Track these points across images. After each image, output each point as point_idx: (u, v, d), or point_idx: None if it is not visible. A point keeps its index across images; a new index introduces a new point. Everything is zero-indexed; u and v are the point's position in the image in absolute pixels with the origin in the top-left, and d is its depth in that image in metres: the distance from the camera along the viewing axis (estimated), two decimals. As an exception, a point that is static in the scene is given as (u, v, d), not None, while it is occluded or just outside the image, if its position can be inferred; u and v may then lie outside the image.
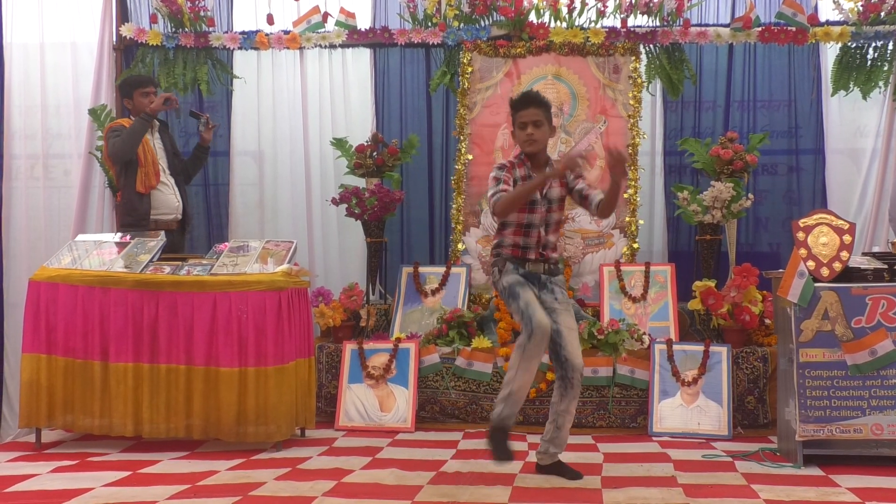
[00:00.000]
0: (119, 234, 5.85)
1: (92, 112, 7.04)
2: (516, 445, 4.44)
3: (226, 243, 5.81)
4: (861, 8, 6.87)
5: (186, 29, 7.24)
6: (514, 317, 4.49)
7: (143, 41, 7.21)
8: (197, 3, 7.18)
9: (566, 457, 4.65)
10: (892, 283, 4.78)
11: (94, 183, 7.21)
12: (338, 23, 7.20)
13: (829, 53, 7.16)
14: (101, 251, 5.57)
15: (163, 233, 5.75)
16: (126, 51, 7.37)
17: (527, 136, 4.49)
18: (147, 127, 6.10)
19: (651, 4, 6.90)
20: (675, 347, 5.88)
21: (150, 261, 5.44)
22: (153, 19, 7.26)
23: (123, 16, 7.38)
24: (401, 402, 5.94)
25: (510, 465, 4.57)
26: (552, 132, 4.61)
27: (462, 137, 6.99)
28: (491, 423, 4.32)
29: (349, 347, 6.13)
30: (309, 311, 5.61)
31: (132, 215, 6.06)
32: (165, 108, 6.21)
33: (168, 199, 6.19)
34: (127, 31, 7.22)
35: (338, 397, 6.01)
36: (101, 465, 4.85)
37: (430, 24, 7.12)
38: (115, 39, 7.31)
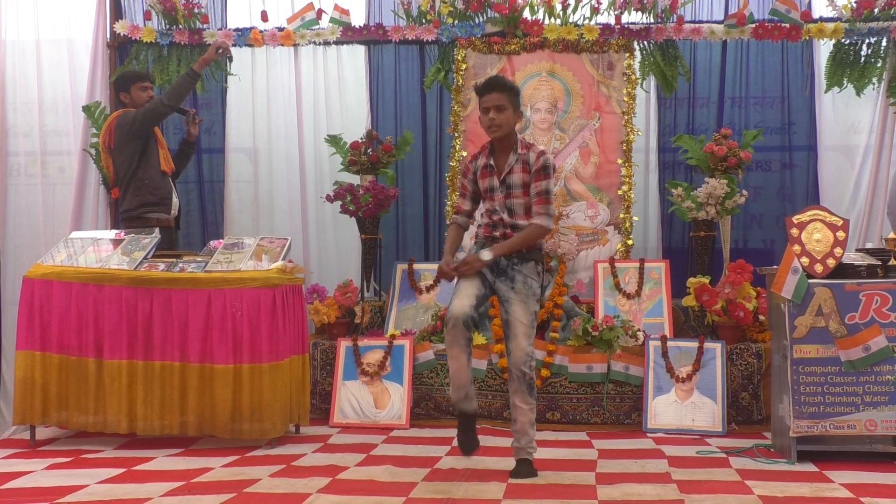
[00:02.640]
0: (113, 232, 5.84)
1: (86, 109, 7.02)
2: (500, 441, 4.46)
3: (220, 240, 5.79)
4: (854, 4, 6.87)
5: (180, 26, 7.21)
6: None
7: (137, 38, 7.19)
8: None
9: (560, 454, 4.65)
10: (885, 279, 4.78)
11: (90, 180, 7.19)
12: (332, 20, 7.17)
13: (823, 50, 7.15)
14: (95, 248, 5.55)
15: (157, 229, 5.73)
16: (120, 48, 7.35)
17: (489, 121, 4.42)
18: (194, 84, 6.26)
19: (645, 1, 6.89)
20: (670, 344, 5.87)
21: (145, 258, 5.42)
22: (147, 16, 7.24)
23: (117, 13, 7.36)
24: (395, 399, 5.93)
25: (504, 462, 4.58)
26: (518, 118, 4.52)
27: (456, 134, 6.98)
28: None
29: (344, 344, 6.12)
30: (303, 307, 5.60)
31: (156, 194, 6.08)
32: (218, 58, 6.34)
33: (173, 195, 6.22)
34: (121, 28, 7.20)
35: (332, 394, 6.00)
36: (96, 462, 4.83)
37: (424, 20, 7.11)
38: (108, 36, 7.29)
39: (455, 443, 4.47)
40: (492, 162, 4.51)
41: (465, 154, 6.90)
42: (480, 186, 4.57)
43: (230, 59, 6.72)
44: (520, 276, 4.41)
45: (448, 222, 4.60)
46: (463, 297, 4.35)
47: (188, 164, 6.79)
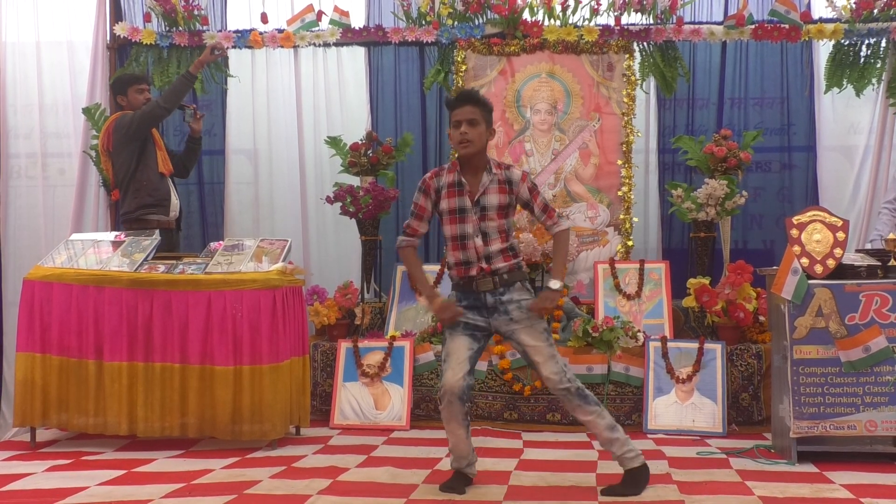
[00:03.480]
0: (114, 233, 5.84)
1: (86, 111, 7.03)
2: (512, 443, 4.43)
3: (220, 242, 5.79)
4: (854, 5, 6.86)
5: (180, 28, 7.21)
6: None
7: (137, 40, 7.20)
8: (190, 1, 7.17)
9: (561, 455, 4.63)
10: (885, 279, 4.77)
11: (91, 182, 7.20)
12: (332, 21, 7.17)
13: (823, 51, 7.15)
14: (96, 250, 5.54)
15: (157, 231, 5.73)
16: (120, 50, 7.36)
17: (460, 136, 4.09)
18: (191, 86, 6.25)
19: (644, 2, 6.89)
20: (670, 345, 5.87)
21: (145, 259, 5.42)
22: (147, 18, 7.24)
23: (117, 15, 7.37)
24: (396, 401, 5.92)
25: (504, 464, 4.58)
26: (491, 135, 4.21)
27: (456, 136, 6.97)
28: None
29: (344, 346, 6.11)
30: (304, 309, 5.60)
31: (154, 195, 6.08)
32: (214, 59, 6.33)
33: (172, 196, 6.22)
34: (121, 30, 7.20)
35: (333, 395, 6.00)
36: (96, 464, 4.83)
37: (423, 22, 7.11)
38: (108, 38, 7.29)
39: (441, 486, 4.19)
40: (462, 180, 4.17)
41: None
42: (444, 207, 4.19)
43: (226, 59, 6.71)
44: (513, 306, 4.14)
45: (401, 244, 4.39)
46: (455, 367, 4.09)
47: (196, 162, 6.77)
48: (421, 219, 4.32)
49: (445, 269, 4.40)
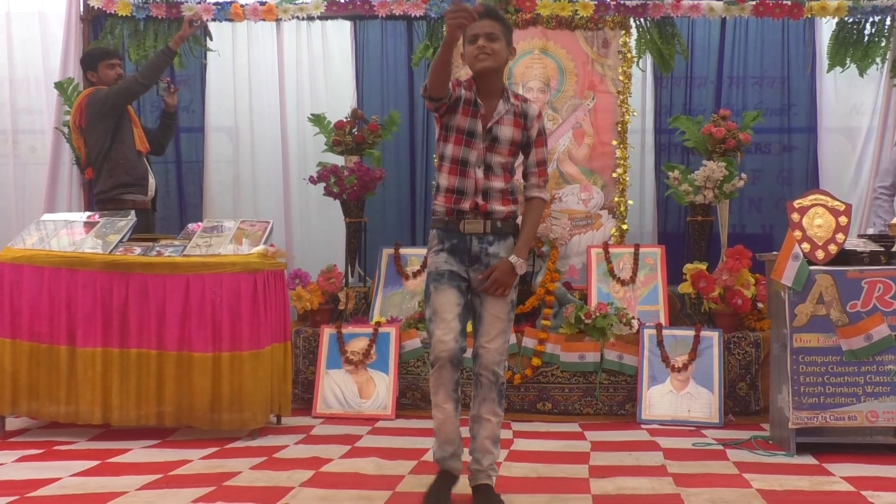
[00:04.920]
0: (87, 214, 5.80)
1: (59, 85, 6.97)
2: (502, 434, 4.39)
3: (199, 223, 5.76)
4: (858, -19, 6.86)
5: (157, -1, 7.16)
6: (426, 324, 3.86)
7: (112, 11, 7.14)
8: (168, -29, 7.11)
9: (552, 446, 4.62)
10: (888, 266, 4.78)
11: (64, 160, 7.16)
12: (316, -7, 7.13)
13: (825, 29, 7.16)
14: (69, 231, 5.50)
15: (133, 212, 5.69)
16: (94, 21, 7.29)
17: (478, 50, 3.72)
18: (170, 61, 6.23)
19: (642, -24, 6.87)
20: (665, 332, 5.87)
21: (120, 241, 5.39)
22: (123, -12, 7.18)
23: (91, -16, 7.30)
24: (381, 389, 5.91)
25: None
26: (511, 54, 3.84)
27: (445, 114, 6.94)
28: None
29: (327, 332, 6.09)
30: (285, 293, 5.57)
31: (132, 174, 6.06)
32: (193, 31, 6.33)
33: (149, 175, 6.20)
34: (95, 0, 7.12)
35: (315, 383, 5.98)
36: (69, 454, 4.80)
37: (411, -6, 7.07)
38: (82, 9, 7.22)
39: (425, 495, 3.76)
40: (478, 100, 3.78)
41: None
42: (455, 123, 3.77)
43: (208, 34, 6.67)
44: (496, 262, 3.77)
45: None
46: (448, 327, 3.67)
47: (171, 138, 6.73)
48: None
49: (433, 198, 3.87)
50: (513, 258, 3.74)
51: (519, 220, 3.88)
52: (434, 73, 3.62)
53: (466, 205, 3.75)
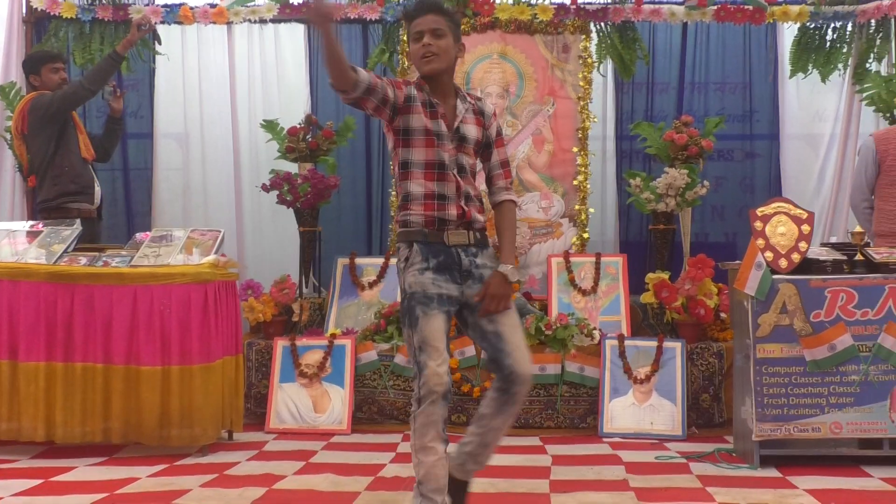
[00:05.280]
0: (30, 223, 5.74)
1: (0, 90, 6.88)
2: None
3: (147, 232, 5.71)
4: (820, -13, 6.95)
5: (104, 1, 7.09)
6: (408, 351, 3.57)
7: (56, 13, 7.08)
8: (115, -29, 7.06)
9: (512, 460, 4.62)
10: (851, 275, 4.84)
11: (6, 167, 7.07)
12: (269, -5, 7.11)
13: (787, 34, 7.24)
14: (11, 240, 5.45)
15: (78, 221, 5.64)
16: (37, 24, 7.23)
17: (423, 49, 3.54)
18: (117, 66, 6.18)
19: (602, -20, 6.92)
20: (627, 343, 5.90)
21: (65, 251, 5.34)
22: (67, -11, 7.12)
23: (34, -15, 7.23)
24: (336, 403, 5.89)
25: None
26: (460, 51, 3.66)
27: (402, 120, 6.94)
28: None
29: (280, 344, 6.06)
30: (237, 305, 5.55)
31: (77, 182, 6.02)
32: (142, 35, 6.30)
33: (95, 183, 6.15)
34: (38, 2, 7.08)
35: (268, 398, 5.95)
36: (10, 472, 4.73)
37: (366, -1, 7.06)
38: (24, 11, 7.15)
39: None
40: (434, 101, 3.59)
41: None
42: (416, 125, 3.54)
43: (157, 38, 6.64)
44: (487, 272, 3.57)
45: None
46: (442, 358, 3.40)
47: (117, 144, 6.67)
48: (385, 84, 3.52)
49: (397, 213, 3.66)
50: (503, 268, 3.53)
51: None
52: (329, 67, 3.41)
53: (453, 211, 3.52)
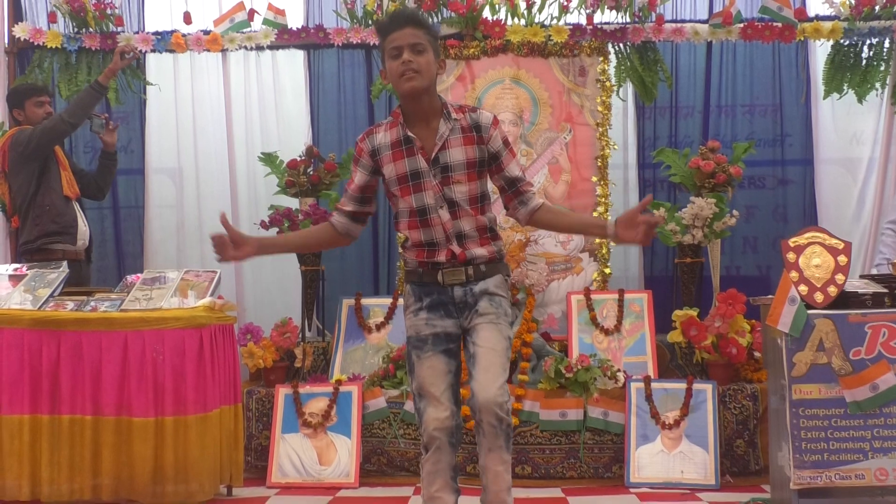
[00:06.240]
0: (13, 266, 5.77)
1: (-19, 125, 6.96)
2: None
3: (139, 274, 5.74)
4: (853, 2, 6.96)
5: (91, 29, 7.17)
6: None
7: (41, 43, 7.15)
8: (102, -1, 7.14)
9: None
10: (893, 308, 4.82)
11: (-13, 206, 7.12)
12: (265, 21, 7.17)
13: (820, 52, 7.25)
14: (-8, 285, 5.49)
15: (65, 263, 5.67)
16: (20, 54, 7.31)
17: (402, 67, 3.51)
18: (100, 97, 6.23)
19: (620, -1, 6.97)
20: (654, 385, 5.89)
21: (51, 295, 5.37)
22: (52, 18, 7.20)
23: (17, 14, 7.34)
24: (342, 454, 5.89)
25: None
26: (441, 67, 3.66)
27: (409, 150, 6.97)
28: None
29: (282, 392, 6.07)
30: (235, 350, 5.56)
31: (58, 222, 6.06)
32: (126, 64, 6.31)
33: (79, 223, 6.17)
34: (21, 31, 7.14)
35: (270, 449, 5.94)
36: (-6, 534, 4.75)
37: (370, 21, 7.11)
38: (7, 41, 7.23)
39: None
40: (410, 134, 3.59)
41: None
42: (389, 174, 3.63)
43: (140, 66, 6.68)
44: (484, 298, 3.59)
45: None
46: (439, 402, 3.49)
47: (112, 180, 6.72)
48: (351, 197, 3.76)
49: (400, 252, 3.77)
50: (608, 226, 3.60)
51: (504, 258, 3.74)
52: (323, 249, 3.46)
53: (442, 256, 3.59)
